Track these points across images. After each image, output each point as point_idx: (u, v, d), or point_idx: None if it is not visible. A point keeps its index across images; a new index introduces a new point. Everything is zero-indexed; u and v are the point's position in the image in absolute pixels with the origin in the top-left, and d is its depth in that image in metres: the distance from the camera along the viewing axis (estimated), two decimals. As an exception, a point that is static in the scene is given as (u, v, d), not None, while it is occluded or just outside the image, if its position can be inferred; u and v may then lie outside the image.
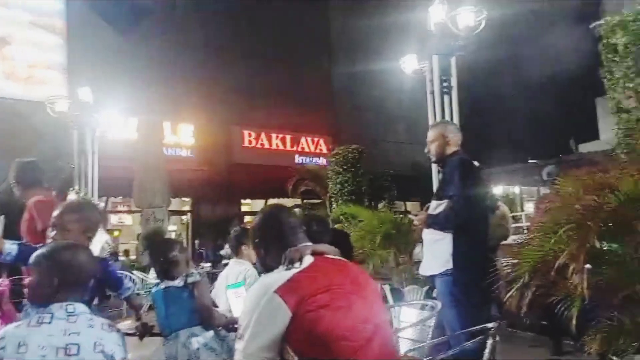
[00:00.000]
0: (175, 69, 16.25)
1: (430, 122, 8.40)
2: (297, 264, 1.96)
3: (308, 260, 2.00)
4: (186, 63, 16.81)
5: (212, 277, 9.56)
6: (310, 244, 2.11)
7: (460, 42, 7.26)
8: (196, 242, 16.81)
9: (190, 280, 2.65)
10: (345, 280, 1.98)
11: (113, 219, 16.91)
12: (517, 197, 19.30)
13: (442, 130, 3.79)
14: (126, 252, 14.18)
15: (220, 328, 2.63)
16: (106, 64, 14.26)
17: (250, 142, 18.77)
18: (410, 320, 3.45)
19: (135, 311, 3.24)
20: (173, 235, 16.73)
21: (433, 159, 3.86)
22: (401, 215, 10.64)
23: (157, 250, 2.80)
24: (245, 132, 18.66)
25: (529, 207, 17.77)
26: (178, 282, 2.66)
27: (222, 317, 2.67)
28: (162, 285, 2.72)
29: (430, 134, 3.83)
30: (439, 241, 3.50)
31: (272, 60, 18.78)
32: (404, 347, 3.31)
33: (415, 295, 7.19)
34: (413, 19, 8.73)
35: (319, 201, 13.58)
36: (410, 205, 19.43)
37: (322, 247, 2.19)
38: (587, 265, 2.47)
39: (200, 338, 2.57)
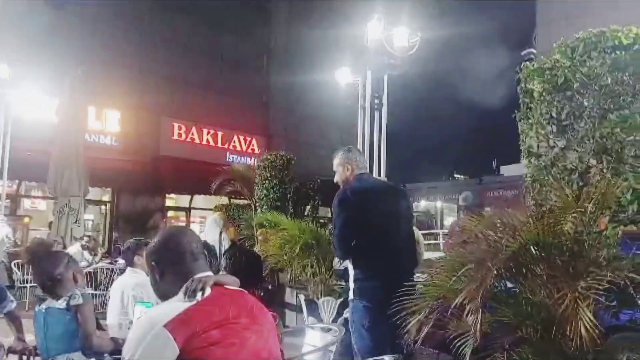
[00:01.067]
0: (106, 52, 15.55)
1: (359, 135, 8.55)
2: (199, 295, 1.86)
3: (206, 292, 1.91)
4: (119, 47, 16.13)
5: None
6: (210, 273, 2.02)
7: (394, 61, 7.41)
8: (114, 234, 16.17)
9: (73, 302, 2.44)
10: (241, 313, 1.92)
11: (26, 203, 15.92)
12: (438, 211, 19.95)
13: (342, 159, 3.88)
14: (35, 240, 13.35)
15: (104, 354, 2.44)
16: (29, 39, 13.44)
17: (180, 135, 18.25)
18: (314, 342, 3.44)
19: (17, 328, 2.96)
20: (90, 225, 16.02)
21: (341, 185, 3.91)
22: (322, 223, 10.72)
23: (41, 266, 2.58)
24: (176, 124, 18.12)
25: (450, 222, 18.43)
26: (60, 303, 2.45)
27: (107, 343, 2.47)
28: (44, 306, 2.50)
29: (334, 163, 3.94)
30: (348, 268, 3.58)
31: (209, 56, 18.45)
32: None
33: (329, 307, 7.26)
34: (352, 33, 8.80)
35: (246, 202, 13.38)
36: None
37: (224, 277, 2.12)
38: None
39: None
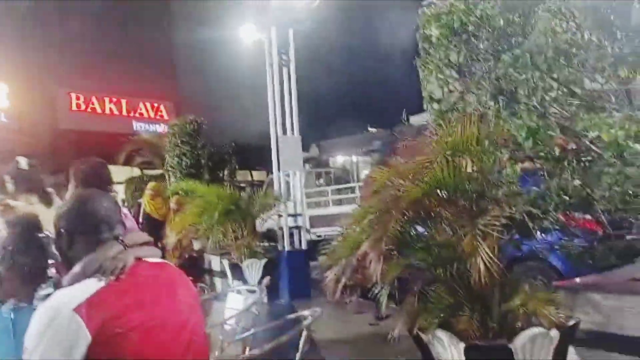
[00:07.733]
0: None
1: (269, 93, 8.38)
2: (121, 276, 1.65)
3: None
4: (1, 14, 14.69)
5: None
6: (121, 247, 1.76)
7: (299, 14, 7.26)
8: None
9: None
10: (162, 291, 1.76)
11: None
12: (354, 165, 20.21)
13: None
14: None
15: None
16: None
17: (78, 105, 17.13)
18: (237, 305, 3.41)
19: None
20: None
21: None
22: (241, 187, 10.53)
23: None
24: (73, 95, 16.97)
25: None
26: None
27: None
28: None
29: None
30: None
31: (106, 20, 17.24)
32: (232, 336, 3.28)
33: (253, 269, 7.26)
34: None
35: (159, 172, 12.85)
36: (257, 174, 19.42)
37: (145, 250, 1.87)
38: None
39: None
